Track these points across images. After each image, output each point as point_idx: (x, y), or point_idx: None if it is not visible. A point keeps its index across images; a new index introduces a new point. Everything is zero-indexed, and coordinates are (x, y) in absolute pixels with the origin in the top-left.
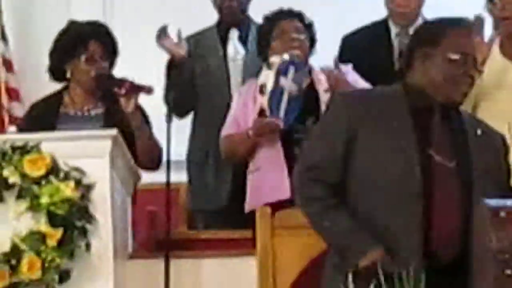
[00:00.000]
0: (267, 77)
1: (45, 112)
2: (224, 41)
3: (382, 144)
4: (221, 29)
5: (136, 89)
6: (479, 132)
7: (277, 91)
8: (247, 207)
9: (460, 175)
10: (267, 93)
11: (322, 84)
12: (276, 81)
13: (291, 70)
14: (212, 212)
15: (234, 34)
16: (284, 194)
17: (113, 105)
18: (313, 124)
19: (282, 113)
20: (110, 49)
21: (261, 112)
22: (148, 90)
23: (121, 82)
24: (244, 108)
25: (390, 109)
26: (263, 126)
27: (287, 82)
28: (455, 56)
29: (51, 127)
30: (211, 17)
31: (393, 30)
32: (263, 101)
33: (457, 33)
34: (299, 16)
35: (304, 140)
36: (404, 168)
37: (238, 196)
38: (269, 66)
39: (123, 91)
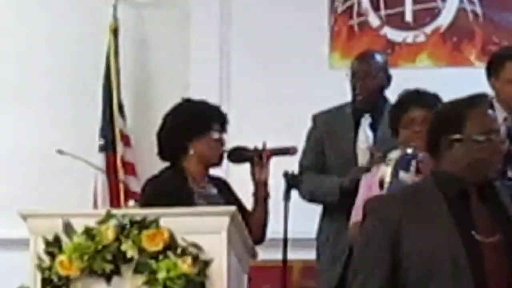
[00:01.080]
0: (385, 173)
1: (178, 188)
2: (356, 125)
3: (426, 240)
4: (355, 112)
5: (279, 152)
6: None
7: (396, 185)
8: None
9: (505, 249)
10: (385, 187)
11: None
12: (395, 175)
13: (413, 164)
14: None
15: (366, 120)
16: None
17: (223, 186)
18: None
19: None
20: (225, 128)
21: None
22: (293, 151)
23: (256, 151)
24: (369, 192)
25: (425, 202)
26: None
27: (409, 176)
28: (482, 137)
29: (190, 203)
30: (331, 98)
31: (500, 114)
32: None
33: (478, 112)
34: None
35: None
36: (452, 258)
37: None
38: (387, 163)
39: (264, 158)
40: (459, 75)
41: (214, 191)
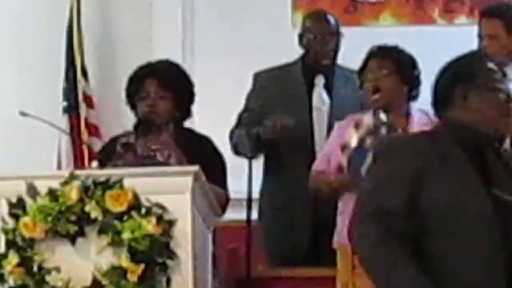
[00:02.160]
0: (351, 137)
1: (111, 149)
2: (309, 86)
3: (451, 190)
4: (307, 73)
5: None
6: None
7: (361, 150)
8: (335, 244)
9: None
10: (348, 152)
11: None
12: (362, 141)
13: (383, 131)
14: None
15: (320, 81)
16: None
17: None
18: None
19: (363, 171)
20: (170, 84)
21: (340, 169)
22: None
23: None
24: (337, 145)
25: (444, 153)
26: (342, 184)
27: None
28: (497, 85)
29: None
30: (292, 56)
31: None
32: (343, 159)
33: (488, 65)
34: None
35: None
36: (478, 211)
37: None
38: (357, 127)
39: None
40: (422, 32)
41: (165, 152)
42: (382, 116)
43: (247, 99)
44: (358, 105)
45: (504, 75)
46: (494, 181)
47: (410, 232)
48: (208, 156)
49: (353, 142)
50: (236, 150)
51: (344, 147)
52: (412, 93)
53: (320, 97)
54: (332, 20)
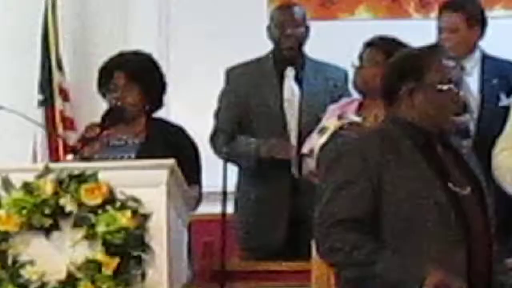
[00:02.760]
0: (317, 143)
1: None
2: (280, 78)
3: (408, 185)
4: (278, 65)
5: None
6: (465, 150)
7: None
8: None
9: (477, 201)
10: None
11: None
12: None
13: None
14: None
15: (290, 72)
16: None
17: (155, 136)
18: None
19: None
20: (138, 77)
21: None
22: None
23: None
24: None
25: (396, 148)
26: None
27: None
28: (442, 86)
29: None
30: (264, 49)
31: None
32: (311, 165)
33: (438, 61)
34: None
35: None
36: (437, 207)
37: (296, 235)
38: (322, 131)
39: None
40: (397, 26)
41: (135, 141)
42: (347, 121)
43: (221, 95)
44: (328, 96)
45: (462, 68)
46: (449, 175)
47: (376, 231)
48: (182, 146)
49: (317, 150)
50: (229, 159)
51: (310, 153)
52: None
53: (291, 88)
54: (297, 9)
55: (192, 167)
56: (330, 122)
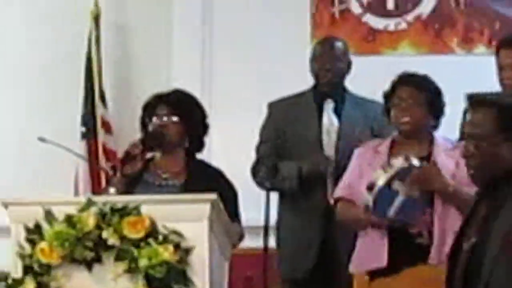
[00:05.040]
0: (379, 177)
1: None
2: (319, 110)
3: None
4: (317, 98)
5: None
6: None
7: (388, 192)
8: (351, 268)
9: None
10: (375, 191)
11: (443, 163)
12: (390, 182)
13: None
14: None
15: (329, 105)
16: (380, 262)
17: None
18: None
19: (391, 213)
20: (180, 110)
21: (366, 208)
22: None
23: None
24: (358, 171)
25: None
26: (367, 223)
27: (403, 188)
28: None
29: (130, 192)
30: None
31: None
32: (369, 198)
33: None
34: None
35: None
36: None
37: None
38: (385, 168)
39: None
40: (440, 62)
41: (176, 182)
42: (415, 161)
43: (262, 128)
44: (368, 128)
45: None
46: None
47: None
48: (220, 188)
49: (381, 182)
50: (271, 185)
51: (371, 187)
52: (437, 123)
53: (329, 120)
54: (338, 44)
55: (232, 208)
56: (396, 161)
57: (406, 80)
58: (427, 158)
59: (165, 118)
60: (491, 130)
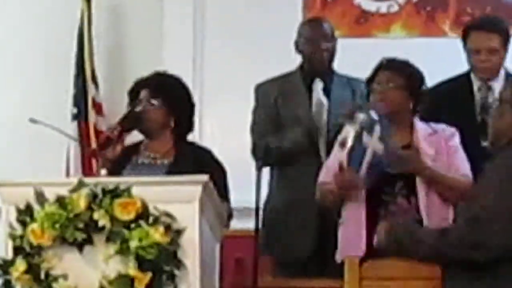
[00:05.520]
0: (348, 132)
1: (120, 158)
2: (308, 90)
3: None
4: (306, 78)
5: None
6: None
7: (359, 148)
8: (337, 257)
9: None
10: (347, 148)
11: (424, 151)
12: (359, 138)
13: (377, 129)
14: (296, 262)
15: (318, 85)
16: (358, 251)
17: (184, 157)
18: (402, 188)
19: (363, 171)
20: (160, 93)
21: (340, 168)
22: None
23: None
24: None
25: None
26: (343, 182)
27: (371, 141)
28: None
29: (118, 173)
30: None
31: (475, 84)
32: (343, 156)
33: None
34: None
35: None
36: None
37: (324, 245)
38: (352, 121)
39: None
40: (432, 45)
41: (164, 161)
42: (373, 115)
43: (253, 112)
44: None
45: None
46: None
47: None
48: (209, 167)
49: (350, 137)
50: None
51: (342, 143)
52: (417, 107)
53: (319, 99)
54: (325, 25)
55: (221, 188)
56: (346, 131)
57: (386, 65)
58: (407, 146)
59: (145, 103)
60: None
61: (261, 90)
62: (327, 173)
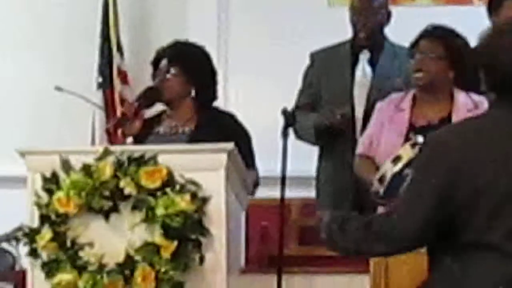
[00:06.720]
0: (388, 168)
1: (141, 131)
2: (354, 61)
3: None
4: (354, 48)
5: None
6: None
7: (398, 178)
8: None
9: None
10: (385, 183)
11: None
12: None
13: None
14: None
15: (365, 56)
16: None
17: (206, 124)
18: None
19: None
20: (178, 62)
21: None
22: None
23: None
24: (380, 127)
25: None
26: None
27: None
28: None
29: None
30: (328, 35)
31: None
32: (380, 189)
33: None
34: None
35: None
36: None
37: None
38: (396, 160)
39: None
40: (458, 13)
41: (186, 129)
42: (419, 139)
43: (304, 77)
44: (402, 80)
45: None
46: None
47: None
48: (233, 133)
49: (389, 174)
50: (299, 137)
51: (381, 179)
52: (459, 79)
53: (363, 71)
54: None
55: (246, 153)
56: (404, 150)
57: (429, 33)
58: (447, 119)
59: (164, 72)
60: None
61: (313, 57)
62: (366, 143)
